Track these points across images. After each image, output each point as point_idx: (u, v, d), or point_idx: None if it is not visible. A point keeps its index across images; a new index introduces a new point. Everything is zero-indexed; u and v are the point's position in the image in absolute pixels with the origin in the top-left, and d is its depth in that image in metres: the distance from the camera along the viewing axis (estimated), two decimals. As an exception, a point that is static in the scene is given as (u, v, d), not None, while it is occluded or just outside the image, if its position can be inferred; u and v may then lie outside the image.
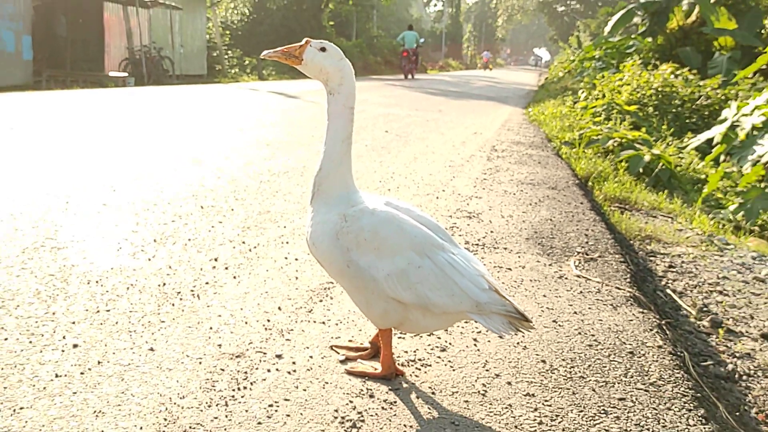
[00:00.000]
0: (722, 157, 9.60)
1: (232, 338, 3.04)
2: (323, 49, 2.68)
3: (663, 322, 3.88)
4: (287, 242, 4.54)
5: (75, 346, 2.85)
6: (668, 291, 5.25)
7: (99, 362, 2.73)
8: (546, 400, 2.65)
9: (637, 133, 10.74)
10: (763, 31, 20.24)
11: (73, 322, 3.08)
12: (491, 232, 5.12)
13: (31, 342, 2.86)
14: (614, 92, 15.00)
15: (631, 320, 3.57)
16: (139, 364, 2.74)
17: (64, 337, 2.92)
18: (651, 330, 3.46)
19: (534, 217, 5.73)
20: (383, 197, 2.80)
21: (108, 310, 3.25)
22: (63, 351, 2.80)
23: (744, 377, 3.92)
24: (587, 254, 4.77)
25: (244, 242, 4.47)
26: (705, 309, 4.93)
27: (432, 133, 11.27)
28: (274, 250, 4.34)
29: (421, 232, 2.61)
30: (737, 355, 4.25)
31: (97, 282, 3.59)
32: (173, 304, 3.37)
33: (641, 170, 9.47)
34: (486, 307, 2.50)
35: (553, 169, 8.56)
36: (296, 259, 4.19)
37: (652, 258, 6.08)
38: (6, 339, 2.87)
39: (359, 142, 9.24)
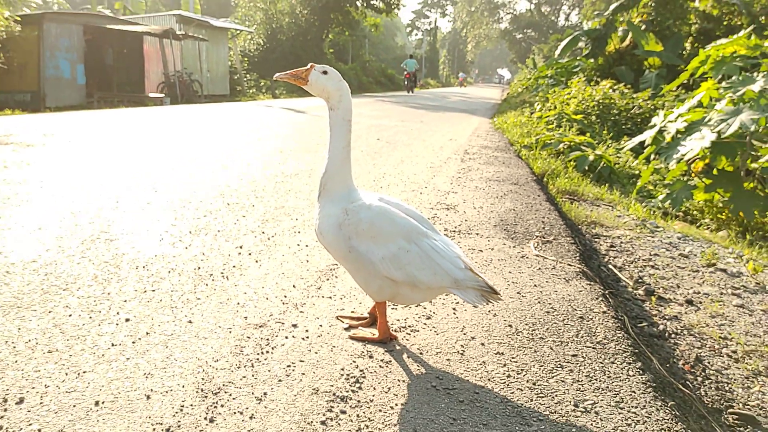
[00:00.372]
0: (652, 156, 9.62)
1: (255, 311, 3.03)
2: (325, 72, 2.67)
3: (606, 291, 3.90)
4: (299, 231, 4.53)
5: (127, 320, 2.85)
6: (610, 266, 5.27)
7: (147, 333, 2.72)
8: (513, 358, 2.66)
9: (582, 138, 10.75)
10: (684, 52, 20.26)
11: (125, 301, 3.08)
12: (465, 221, 5.12)
13: (91, 317, 2.85)
14: (564, 104, 15.00)
15: (581, 291, 3.58)
16: (180, 334, 2.74)
17: (117, 313, 2.92)
18: (597, 299, 3.47)
19: (500, 207, 5.73)
20: (377, 194, 2.79)
21: (153, 290, 3.23)
22: (117, 324, 2.79)
23: (673, 335, 3.94)
24: (544, 237, 4.77)
25: (263, 232, 4.46)
26: (640, 281, 4.95)
27: (415, 140, 11.23)
28: (289, 238, 4.33)
29: (409, 222, 2.61)
30: (666, 317, 4.27)
31: (143, 267, 3.58)
32: (207, 285, 3.36)
33: (587, 168, 9.49)
34: (462, 282, 2.51)
35: (515, 168, 8.55)
36: (307, 246, 4.18)
37: (596, 240, 6.10)
38: (71, 315, 2.86)
39: (356, 149, 9.20)
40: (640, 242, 6.12)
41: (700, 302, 4.63)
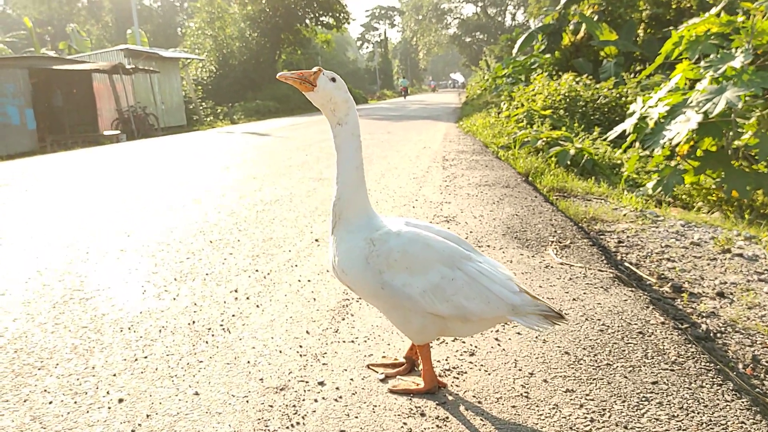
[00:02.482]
0: (636, 145, 9.39)
1: (271, 370, 2.56)
2: (333, 80, 2.25)
3: (651, 297, 3.53)
4: (296, 265, 4.07)
5: (120, 400, 2.35)
6: (626, 264, 4.93)
7: (148, 416, 2.24)
8: (587, 395, 2.25)
9: (559, 132, 10.49)
10: (638, 39, 20.35)
11: (114, 374, 2.58)
12: (471, 232, 4.72)
13: (76, 402, 2.36)
14: (530, 101, 14.79)
15: (625, 300, 3.20)
16: (187, 412, 2.26)
17: (108, 393, 2.42)
18: (647, 308, 3.09)
19: (501, 214, 5.35)
20: (401, 218, 2.37)
21: (146, 357, 2.74)
22: (110, 408, 2.30)
23: (718, 335, 3.59)
24: (560, 242, 4.40)
25: (257, 270, 3.99)
26: (662, 276, 4.62)
27: (389, 151, 10.85)
28: (287, 275, 3.87)
29: (447, 246, 2.19)
30: (703, 314, 3.93)
31: (129, 328, 3.08)
32: (207, 342, 2.88)
33: (569, 162, 9.21)
34: (521, 308, 2.12)
35: (499, 170, 8.22)
36: (309, 281, 3.73)
37: (602, 237, 5.76)
38: (51, 402, 2.36)
39: (331, 167, 8.77)
40: (646, 235, 5.80)
41: (732, 293, 4.31)
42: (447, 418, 2.14)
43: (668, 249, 5.38)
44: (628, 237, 5.80)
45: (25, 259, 4.49)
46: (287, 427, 2.11)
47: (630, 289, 3.38)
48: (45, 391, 2.45)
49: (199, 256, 4.39)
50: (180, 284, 3.75)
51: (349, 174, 2.29)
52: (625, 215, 6.64)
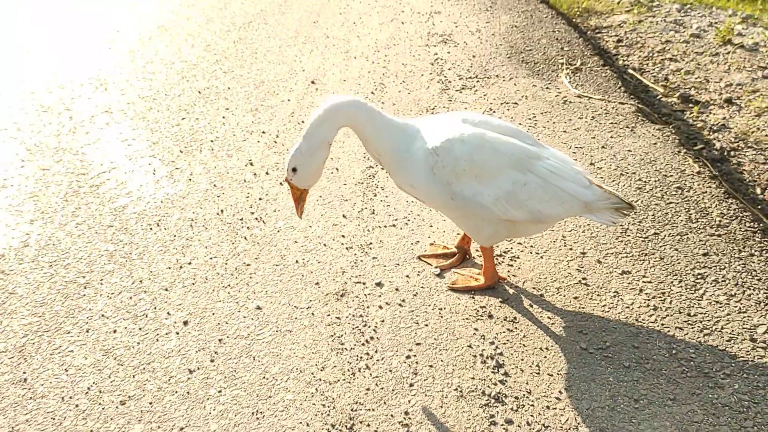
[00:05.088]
0: None
1: (323, 271, 2.54)
2: (294, 170, 2.07)
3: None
4: (302, 121, 3.86)
5: (185, 323, 2.34)
6: (630, 71, 4.79)
7: (220, 340, 2.25)
8: (644, 276, 2.30)
9: None
10: None
11: (166, 289, 2.54)
12: (474, 57, 4.46)
13: (141, 329, 2.35)
14: None
15: (655, 143, 3.15)
16: (258, 332, 2.26)
17: (169, 314, 2.40)
18: (678, 152, 3.06)
19: (499, 27, 5.02)
20: (454, 114, 2.20)
21: (189, 263, 2.69)
22: (178, 333, 2.30)
23: (731, 152, 3.64)
24: (570, 63, 4.20)
25: (263, 132, 3.78)
26: (667, 82, 4.54)
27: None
28: (296, 134, 3.69)
29: (515, 147, 2.06)
30: (714, 128, 3.94)
31: (158, 224, 2.97)
32: (245, 238, 2.81)
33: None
34: (594, 204, 2.07)
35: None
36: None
37: (599, 35, 5.52)
38: (115, 331, 2.34)
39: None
40: (644, 28, 5.57)
41: (739, 98, 4.29)
42: (515, 319, 2.20)
43: (669, 46, 5.22)
44: (626, 33, 5.56)
45: (9, 134, 4.17)
46: (362, 344, 2.16)
47: (656, 127, 3.31)
48: (103, 316, 2.43)
49: (194, 114, 4.12)
50: (188, 158, 3.57)
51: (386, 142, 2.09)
52: (618, 3, 6.30)
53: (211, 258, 2.70)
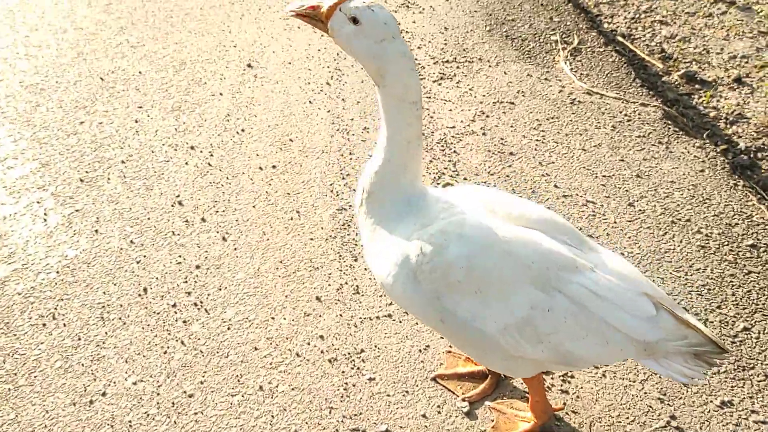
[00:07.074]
0: None
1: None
2: (355, 21, 1.19)
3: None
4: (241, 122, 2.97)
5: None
6: (619, 38, 4.09)
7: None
8: (752, 411, 1.67)
9: None
10: None
11: None
12: (446, 29, 3.62)
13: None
14: None
15: (702, 170, 2.49)
16: None
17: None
18: (736, 185, 2.41)
19: (470, -15, 4.15)
20: (463, 187, 1.46)
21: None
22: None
23: (758, 154, 3.08)
24: (566, 42, 3.44)
25: (193, 148, 2.88)
26: (663, 54, 3.92)
27: None
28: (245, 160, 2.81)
29: (539, 251, 1.33)
30: (730, 119, 3.38)
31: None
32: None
33: None
34: (660, 346, 1.34)
35: None
36: (273, 167, 2.70)
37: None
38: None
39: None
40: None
41: (748, 75, 3.75)
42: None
43: (656, 4, 4.54)
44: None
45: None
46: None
47: (695, 143, 2.63)
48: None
49: (97, 115, 3.13)
50: (92, 191, 2.65)
51: (394, 148, 1.30)
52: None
53: (134, 384, 1.88)
